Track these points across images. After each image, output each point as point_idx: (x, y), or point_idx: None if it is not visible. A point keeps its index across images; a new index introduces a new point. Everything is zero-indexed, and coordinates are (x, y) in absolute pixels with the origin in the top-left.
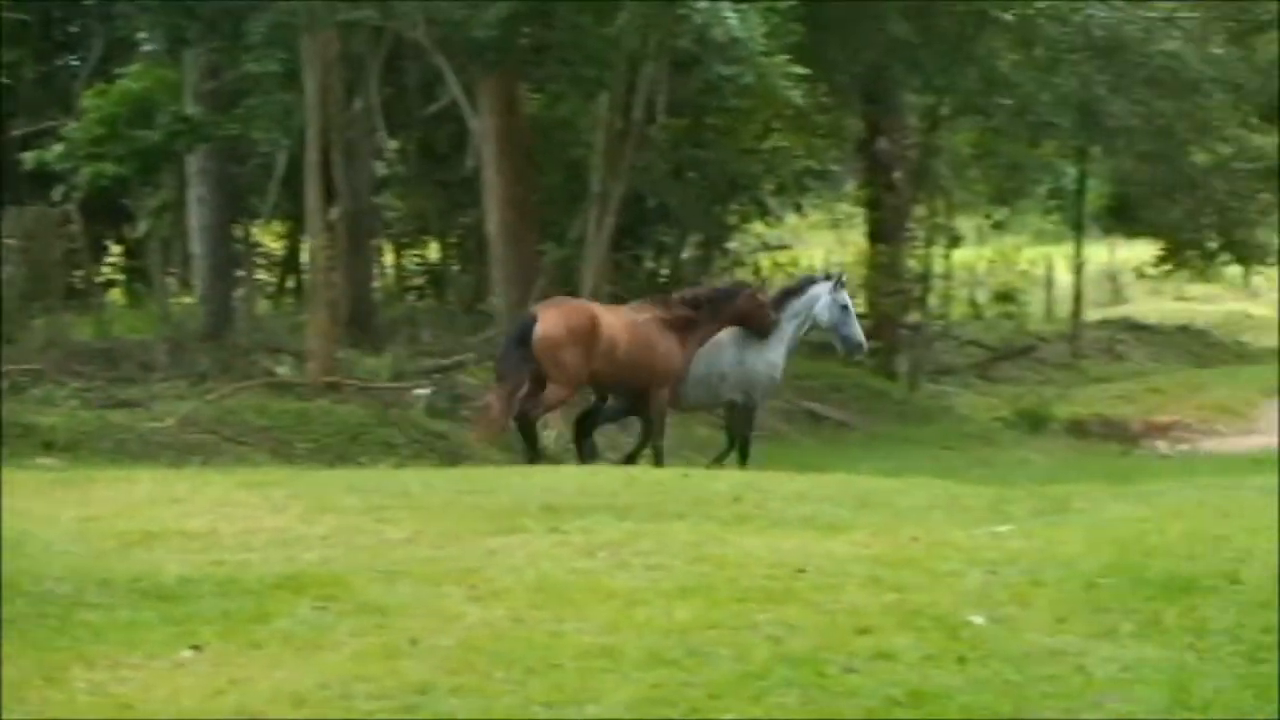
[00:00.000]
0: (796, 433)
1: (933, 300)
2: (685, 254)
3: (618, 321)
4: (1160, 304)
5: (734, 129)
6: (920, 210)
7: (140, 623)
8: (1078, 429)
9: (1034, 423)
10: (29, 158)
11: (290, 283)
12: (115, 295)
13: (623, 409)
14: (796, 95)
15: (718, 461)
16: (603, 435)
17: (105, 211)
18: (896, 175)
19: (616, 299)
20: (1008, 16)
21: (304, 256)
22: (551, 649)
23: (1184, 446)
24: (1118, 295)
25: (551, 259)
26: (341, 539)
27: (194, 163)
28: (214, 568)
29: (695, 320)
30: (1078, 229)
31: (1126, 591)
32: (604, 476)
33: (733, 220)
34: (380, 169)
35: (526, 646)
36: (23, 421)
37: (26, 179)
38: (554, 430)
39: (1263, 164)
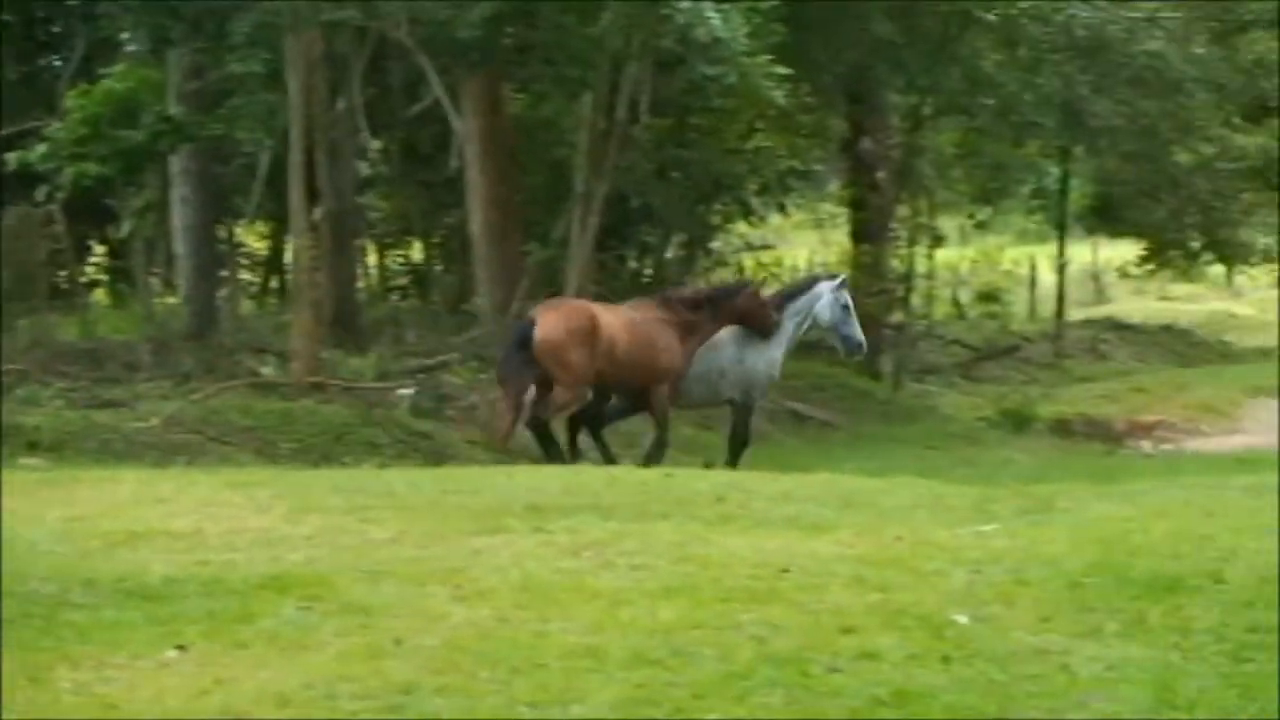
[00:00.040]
0: (780, 433)
1: (916, 300)
2: (669, 254)
3: (617, 321)
4: (1144, 304)
5: (717, 129)
6: (904, 210)
7: (125, 623)
8: (1062, 429)
9: (1018, 422)
10: (12, 158)
11: (274, 283)
12: (99, 295)
13: (624, 408)
14: (780, 95)
15: (733, 459)
16: (616, 436)
17: (89, 212)
18: (880, 175)
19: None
20: (991, 16)
21: (288, 256)
22: (536, 649)
23: (1168, 446)
24: (1101, 295)
25: (535, 259)
26: (326, 539)
27: (177, 163)
28: (199, 568)
29: (695, 318)
30: (1061, 229)
31: (1111, 591)
32: (588, 476)
33: (716, 220)
34: (364, 169)
35: (511, 646)
36: (7, 422)
37: (10, 179)
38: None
39: (1245, 164)
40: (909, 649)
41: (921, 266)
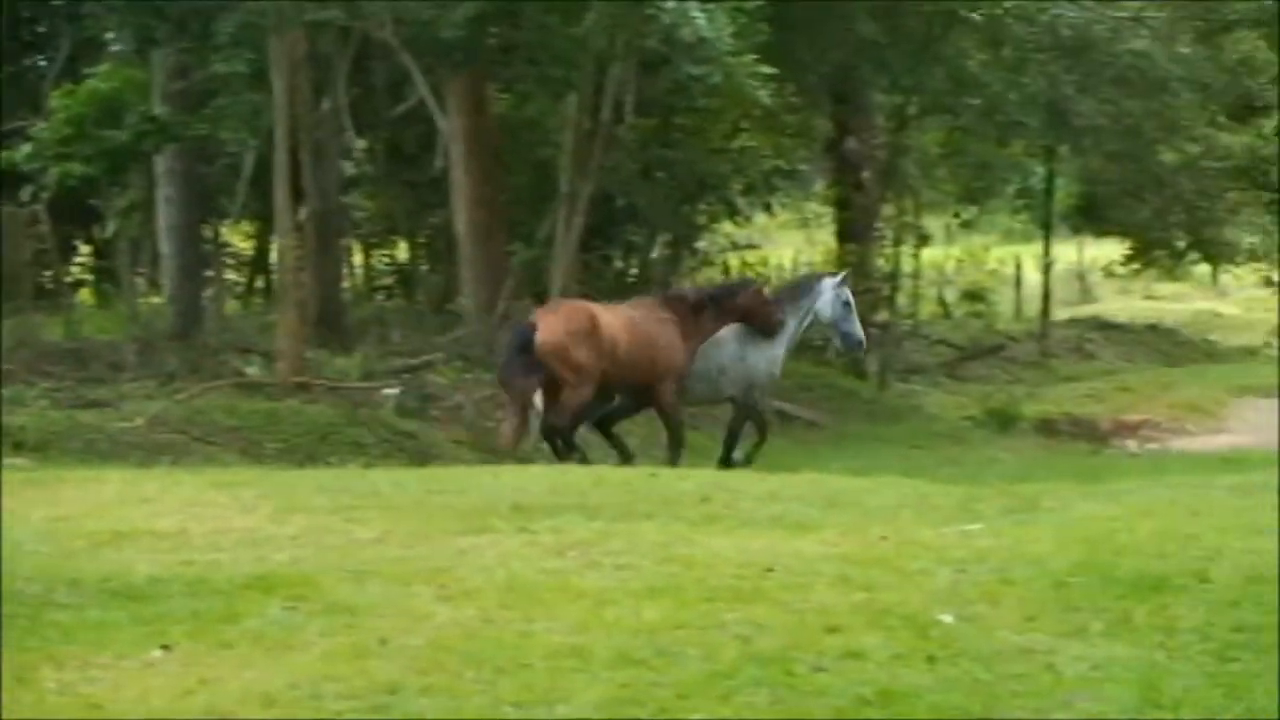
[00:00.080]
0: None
1: (901, 299)
2: (654, 254)
3: (617, 320)
4: (1129, 303)
5: (702, 129)
6: (889, 209)
7: (110, 623)
8: (1047, 428)
9: (1003, 422)
10: None
11: (259, 283)
12: (84, 295)
13: (628, 407)
14: (764, 95)
15: (753, 455)
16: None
17: (74, 212)
18: (865, 175)
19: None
20: (976, 16)
21: (273, 256)
22: (521, 649)
23: (1153, 445)
24: (1086, 294)
25: (520, 259)
26: (311, 539)
27: (162, 163)
28: (183, 568)
29: (698, 317)
30: (1046, 228)
31: (1096, 590)
32: (573, 476)
33: (701, 220)
34: (348, 169)
35: (496, 646)
36: None
37: None
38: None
39: (1230, 163)
40: (894, 648)
41: (907, 266)
